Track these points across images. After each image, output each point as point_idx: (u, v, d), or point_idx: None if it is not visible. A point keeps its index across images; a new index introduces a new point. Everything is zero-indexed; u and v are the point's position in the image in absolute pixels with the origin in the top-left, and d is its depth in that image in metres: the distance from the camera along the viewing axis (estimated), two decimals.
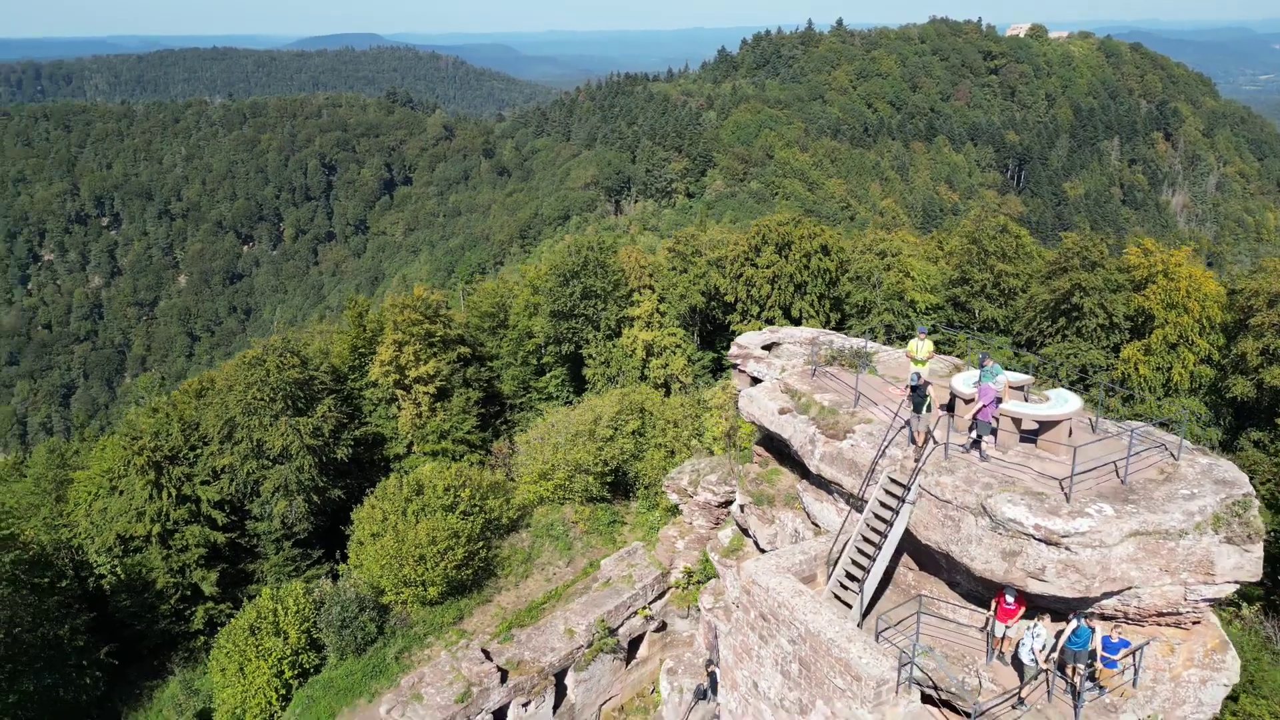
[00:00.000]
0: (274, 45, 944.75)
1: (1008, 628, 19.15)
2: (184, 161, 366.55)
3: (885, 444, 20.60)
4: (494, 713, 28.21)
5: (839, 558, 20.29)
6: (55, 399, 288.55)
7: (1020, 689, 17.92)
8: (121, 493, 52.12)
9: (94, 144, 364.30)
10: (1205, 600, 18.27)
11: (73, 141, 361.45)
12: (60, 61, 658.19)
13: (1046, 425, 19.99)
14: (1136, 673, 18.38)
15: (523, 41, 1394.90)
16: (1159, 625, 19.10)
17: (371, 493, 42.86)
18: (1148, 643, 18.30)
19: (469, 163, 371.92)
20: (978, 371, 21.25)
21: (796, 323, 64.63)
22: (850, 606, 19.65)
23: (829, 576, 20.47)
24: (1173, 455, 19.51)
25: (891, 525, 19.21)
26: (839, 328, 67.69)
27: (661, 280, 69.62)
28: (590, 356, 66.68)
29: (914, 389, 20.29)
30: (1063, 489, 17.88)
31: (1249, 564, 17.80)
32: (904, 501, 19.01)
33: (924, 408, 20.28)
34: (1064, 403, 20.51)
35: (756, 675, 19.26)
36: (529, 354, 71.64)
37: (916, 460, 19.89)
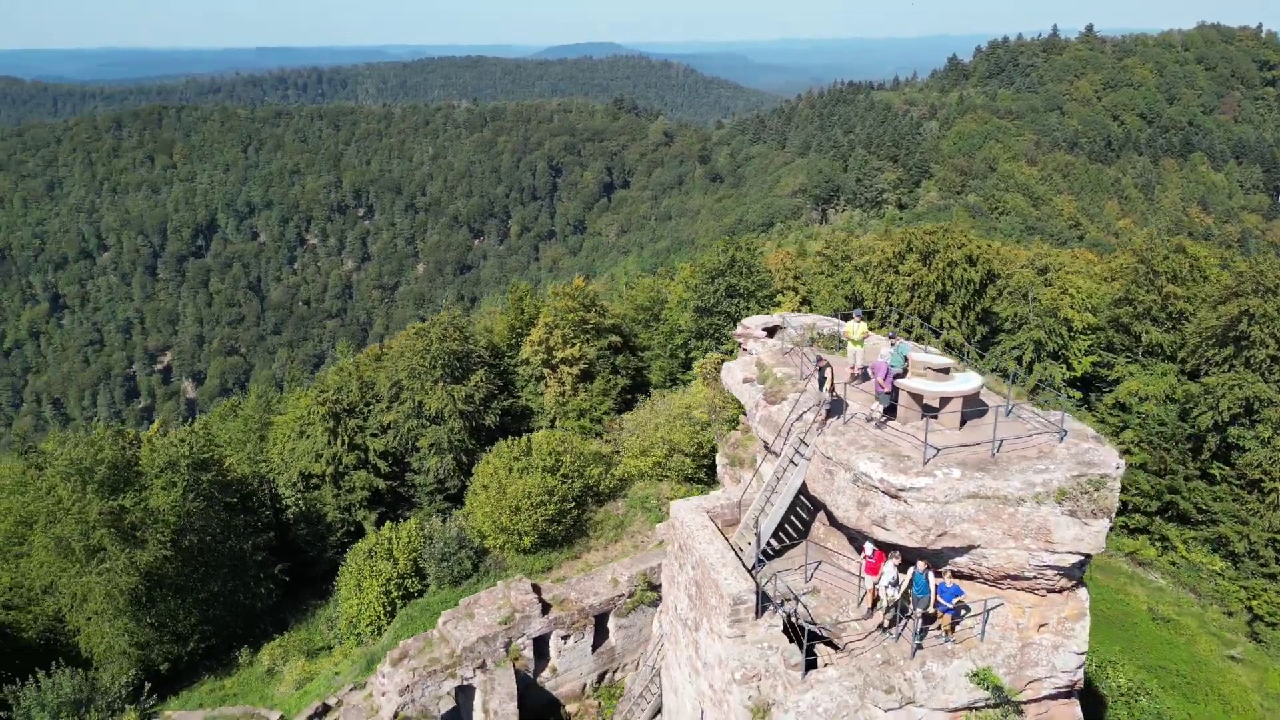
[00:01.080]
0: (522, 54, 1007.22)
1: (876, 581, 20.60)
2: (430, 160, 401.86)
3: (797, 410, 22.40)
4: (535, 640, 32.08)
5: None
6: (308, 366, 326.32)
7: (878, 622, 19.70)
8: (306, 437, 61.02)
9: (357, 142, 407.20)
10: (1050, 567, 19.17)
11: (340, 139, 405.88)
12: (339, 68, 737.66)
13: (945, 401, 21.10)
14: (985, 627, 19.30)
15: (755, 49, 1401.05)
16: (1015, 589, 20.11)
17: (490, 450, 48.17)
18: (1000, 603, 19.36)
19: (684, 168, 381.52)
20: (889, 350, 22.80)
21: (936, 333, 63.86)
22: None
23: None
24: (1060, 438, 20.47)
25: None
26: (985, 342, 66.14)
27: (807, 283, 70.95)
28: (729, 353, 69.11)
29: (818, 365, 22.08)
30: (925, 454, 19.43)
31: (1089, 537, 18.71)
32: (803, 457, 20.87)
33: (823, 384, 22.05)
34: (964, 382, 21.52)
35: (677, 599, 21.71)
36: (677, 347, 75.18)
37: (820, 425, 21.73)
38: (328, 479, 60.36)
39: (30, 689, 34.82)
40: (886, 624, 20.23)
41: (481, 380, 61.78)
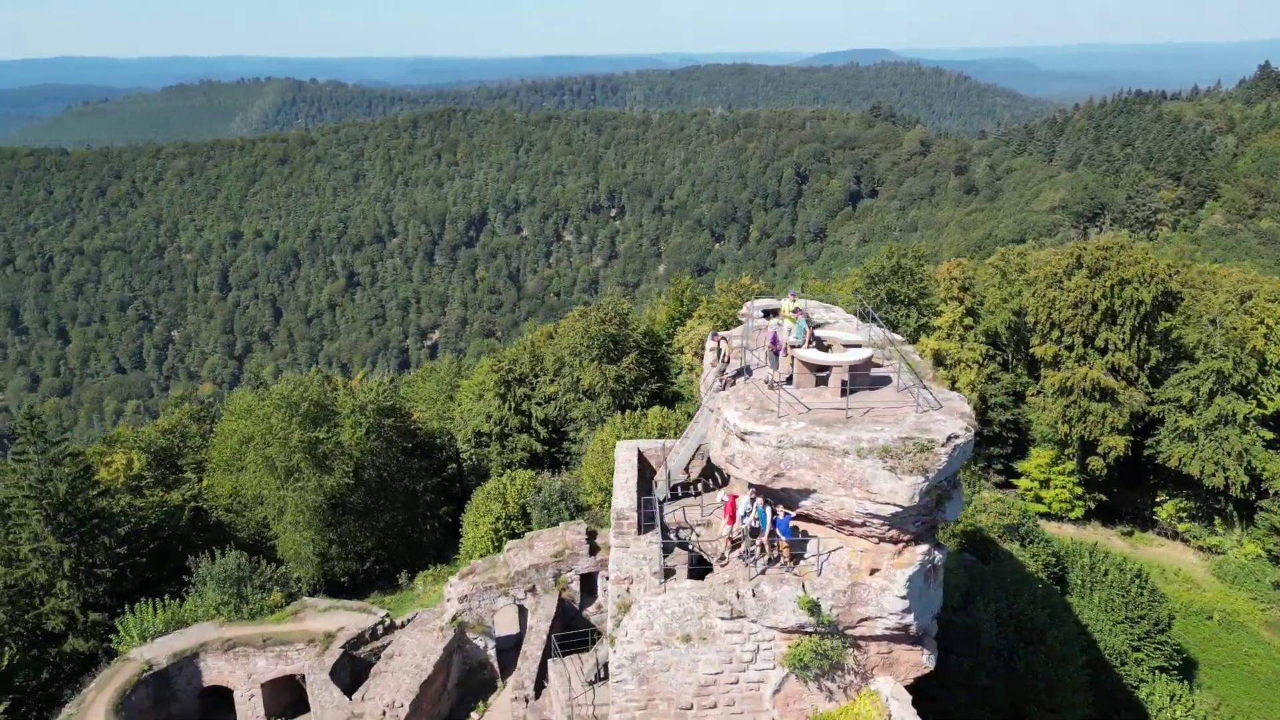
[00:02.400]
0: (789, 61, 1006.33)
1: (731, 529, 23.11)
2: (681, 165, 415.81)
3: (711, 374, 24.98)
4: (583, 576, 36.30)
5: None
6: None
7: (734, 549, 22.13)
8: (482, 399, 69.24)
9: (616, 146, 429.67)
10: (874, 516, 20.79)
11: (601, 143, 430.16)
12: (611, 75, 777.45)
13: (833, 369, 22.96)
14: (821, 564, 21.01)
15: (1043, 56, 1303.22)
16: (854, 535, 21.67)
17: (607, 420, 53.01)
18: (840, 547, 20.85)
19: (938, 179, 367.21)
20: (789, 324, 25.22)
21: (1102, 353, 60.43)
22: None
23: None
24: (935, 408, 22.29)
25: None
26: (1159, 369, 61.59)
27: (976, 294, 69.32)
28: None
29: (715, 338, 24.82)
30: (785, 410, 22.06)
31: (902, 490, 20.24)
32: (708, 409, 23.37)
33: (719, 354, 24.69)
34: (848, 355, 23.10)
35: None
36: None
37: (725, 385, 24.16)
38: (494, 438, 68.12)
39: (205, 562, 44.32)
40: (742, 551, 22.67)
41: (633, 363, 66.83)
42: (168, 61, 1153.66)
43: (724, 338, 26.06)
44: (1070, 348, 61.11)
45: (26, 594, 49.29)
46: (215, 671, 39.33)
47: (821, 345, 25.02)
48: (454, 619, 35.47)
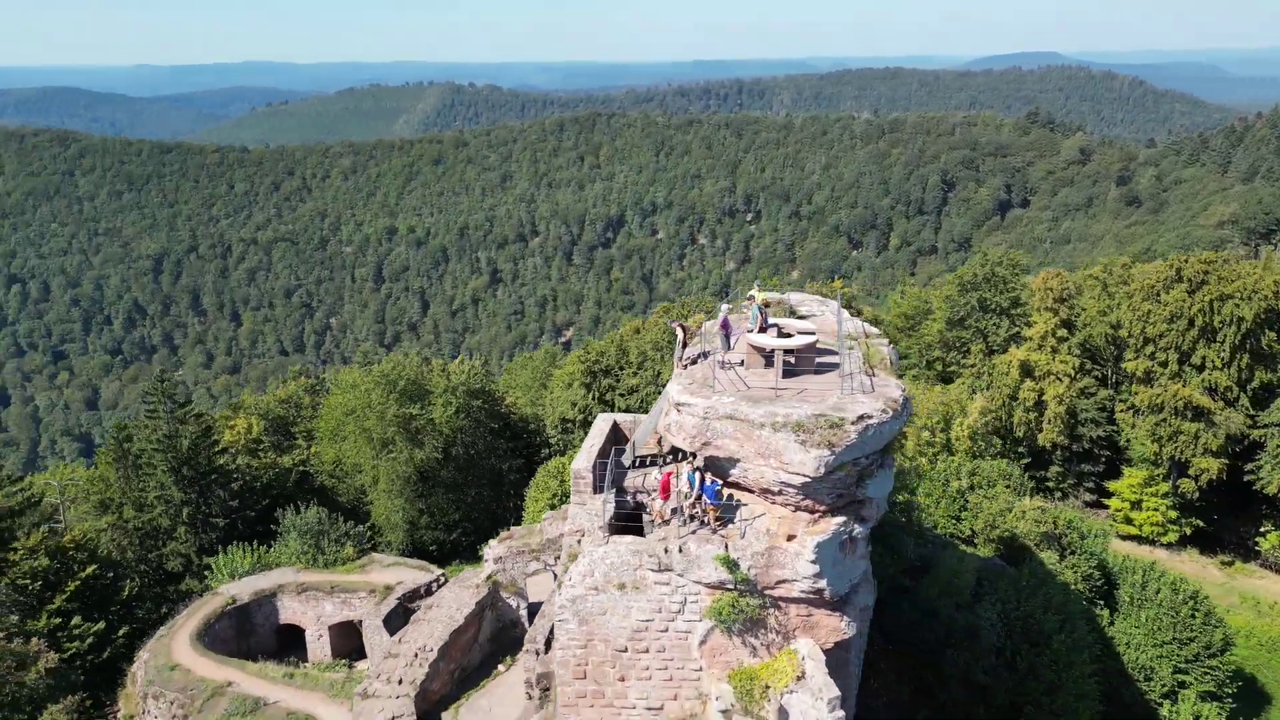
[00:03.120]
0: (947, 65, 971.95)
1: (665, 504, 24.90)
2: (821, 170, 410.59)
3: (678, 355, 26.67)
4: None
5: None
6: None
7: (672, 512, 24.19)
8: (570, 388, 72.71)
9: (756, 150, 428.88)
10: (788, 485, 22.23)
11: (741, 147, 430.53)
12: (759, 79, 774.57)
13: (774, 352, 24.31)
14: (745, 528, 22.96)
15: (1236, 59, 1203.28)
16: (775, 503, 22.98)
17: None
18: (764, 514, 22.10)
19: (1097, 189, 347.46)
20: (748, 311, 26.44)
21: (1199, 369, 57.37)
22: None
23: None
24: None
25: None
26: (1265, 391, 57.92)
27: (1071, 306, 67.10)
28: (967, 366, 68.20)
29: (676, 324, 26.41)
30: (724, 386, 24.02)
31: (809, 462, 21.75)
32: None
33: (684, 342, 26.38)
34: (791, 341, 24.55)
35: None
36: (934, 359, 75.34)
37: (684, 366, 25.75)
38: (578, 425, 71.38)
39: (291, 514, 49.40)
40: (677, 513, 24.60)
41: None
42: (343, 67, 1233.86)
43: (683, 325, 27.89)
44: (1164, 364, 58.42)
45: (152, 536, 56.20)
46: (290, 611, 44.08)
47: (782, 332, 26.43)
48: (489, 578, 38.56)
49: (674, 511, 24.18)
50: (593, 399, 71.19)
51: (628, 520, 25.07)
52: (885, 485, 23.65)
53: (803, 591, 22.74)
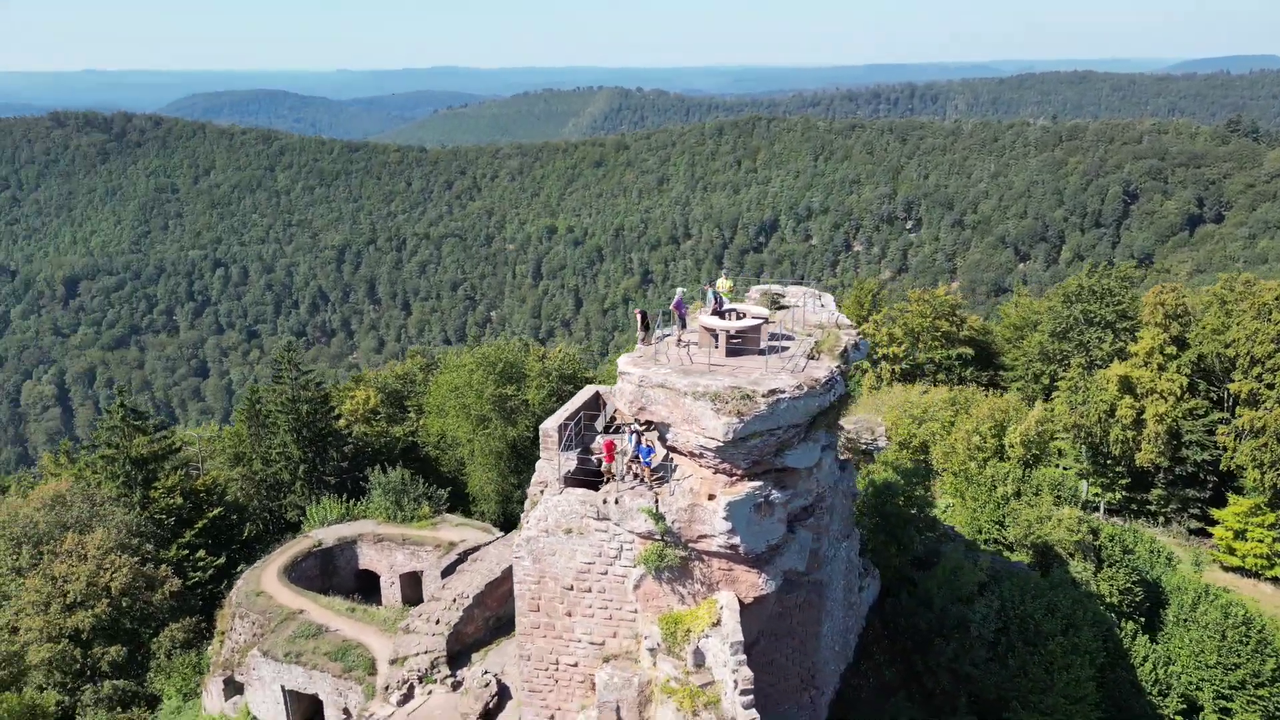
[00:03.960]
0: (1147, 68, 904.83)
1: (611, 465, 27.31)
2: (989, 178, 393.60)
3: (640, 337, 28.85)
4: None
5: None
6: None
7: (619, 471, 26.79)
8: None
9: (920, 156, 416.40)
10: (706, 449, 24.41)
11: (904, 153, 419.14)
12: (932, 84, 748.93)
13: (720, 332, 26.97)
14: (674, 486, 25.34)
15: None
16: (701, 465, 25.04)
17: None
18: (691, 475, 24.00)
19: None
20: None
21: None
22: None
23: None
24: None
25: None
26: None
27: (1183, 323, 63.67)
28: (1064, 378, 65.91)
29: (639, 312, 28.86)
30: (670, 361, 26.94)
31: (719, 428, 24.10)
32: None
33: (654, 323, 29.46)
34: (735, 323, 27.78)
35: None
36: (1039, 372, 73.27)
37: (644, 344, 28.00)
38: None
39: (378, 473, 54.81)
40: (620, 471, 27.13)
41: None
42: (522, 71, 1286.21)
43: (642, 311, 30.34)
44: (1271, 386, 54.71)
45: (274, 487, 63.57)
46: (367, 558, 49.40)
47: (738, 316, 28.43)
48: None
49: (620, 470, 26.79)
50: None
51: (592, 476, 27.84)
52: (808, 457, 25.37)
53: (720, 546, 24.89)
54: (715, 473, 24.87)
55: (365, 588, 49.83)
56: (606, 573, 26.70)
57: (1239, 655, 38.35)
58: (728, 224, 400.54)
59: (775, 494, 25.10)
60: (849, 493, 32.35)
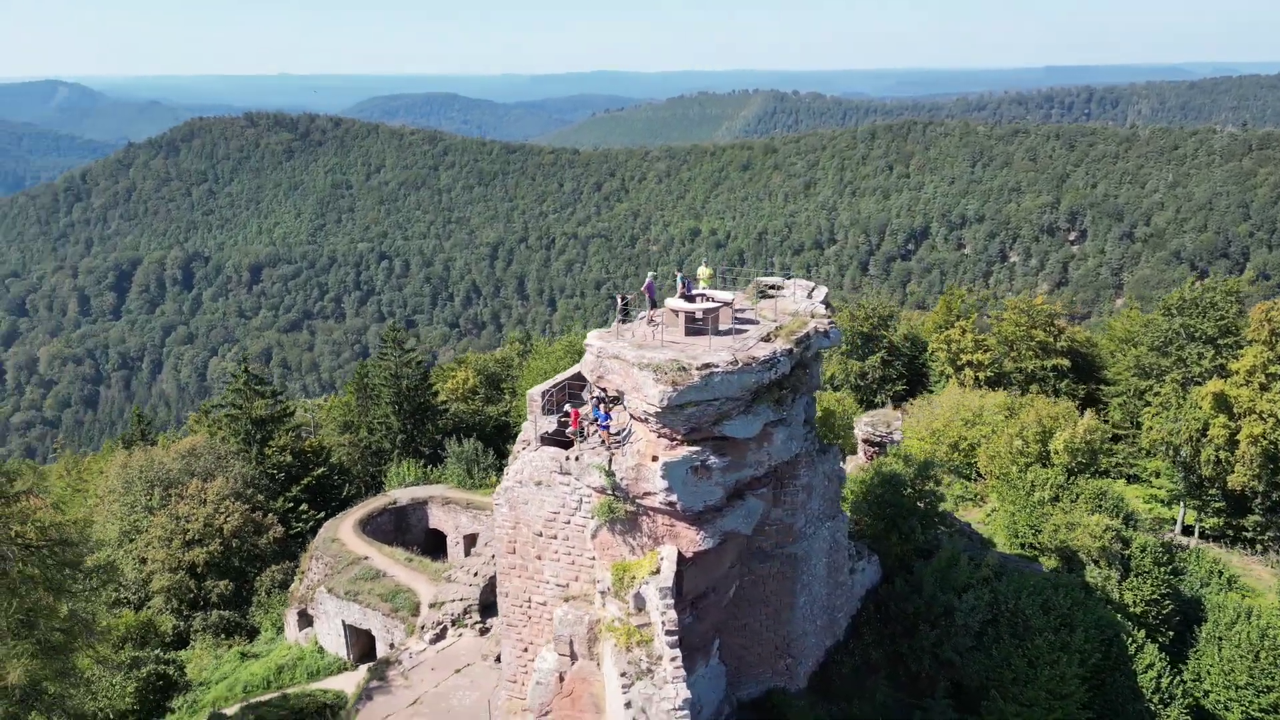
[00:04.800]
0: None
1: (575, 430, 30.11)
2: (1166, 188, 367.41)
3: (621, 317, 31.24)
4: None
5: None
6: None
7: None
8: None
9: (1088, 164, 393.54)
10: (650, 415, 26.94)
11: (1071, 160, 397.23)
12: (1113, 87, 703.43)
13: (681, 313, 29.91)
14: (626, 447, 27.96)
15: None
16: (648, 430, 27.47)
17: None
18: (642, 438, 27.35)
19: None
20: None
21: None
22: None
23: None
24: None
25: None
26: None
27: None
28: (1155, 393, 63.08)
29: (619, 295, 31.97)
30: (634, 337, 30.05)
31: (655, 395, 26.60)
32: None
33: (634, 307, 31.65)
34: (697, 304, 30.72)
35: None
36: (1141, 388, 70.37)
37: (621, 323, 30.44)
38: None
39: (454, 444, 59.64)
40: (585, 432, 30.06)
41: (878, 362, 69.86)
42: (680, 75, 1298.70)
43: (623, 295, 32.81)
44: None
45: (376, 454, 69.93)
46: (435, 518, 54.31)
47: (707, 300, 30.77)
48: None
49: (586, 433, 29.80)
50: None
51: (567, 438, 30.82)
52: (747, 429, 27.51)
53: (660, 503, 27.49)
54: (659, 436, 27.42)
55: (435, 545, 54.77)
56: (569, 522, 29.66)
57: (1272, 678, 36.75)
58: (875, 230, 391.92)
59: (714, 460, 27.32)
60: (833, 476, 33.84)
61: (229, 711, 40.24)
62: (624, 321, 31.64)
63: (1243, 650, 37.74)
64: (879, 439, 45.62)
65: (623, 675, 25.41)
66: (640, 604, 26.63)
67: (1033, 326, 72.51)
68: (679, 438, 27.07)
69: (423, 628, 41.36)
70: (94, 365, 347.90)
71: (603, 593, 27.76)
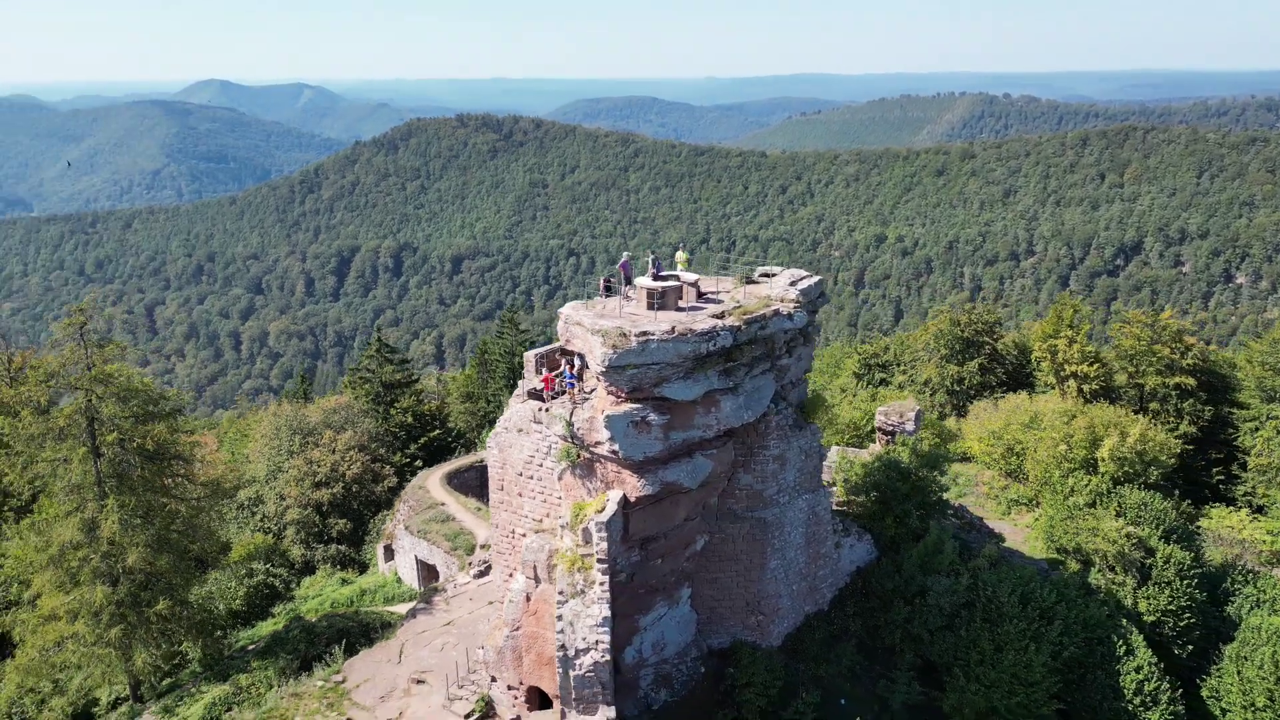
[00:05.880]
0: None
1: (552, 394, 33.74)
2: None
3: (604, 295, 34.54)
4: None
5: None
6: None
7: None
8: (839, 377, 78.48)
9: None
10: (601, 375, 30.80)
11: None
12: None
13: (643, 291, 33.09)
14: (585, 401, 31.73)
15: None
16: (603, 388, 30.98)
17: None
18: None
19: None
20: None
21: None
22: None
23: None
24: None
25: None
26: None
27: None
28: (1273, 416, 58.67)
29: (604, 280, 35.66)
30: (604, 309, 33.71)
31: (600, 355, 30.44)
32: None
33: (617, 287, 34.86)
34: (654, 283, 33.26)
35: None
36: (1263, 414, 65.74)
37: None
38: None
39: None
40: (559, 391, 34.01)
41: (976, 368, 68.98)
42: (882, 78, 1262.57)
43: (609, 278, 36.39)
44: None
45: (492, 423, 76.90)
46: None
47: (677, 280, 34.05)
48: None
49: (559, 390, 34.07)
50: (861, 387, 76.11)
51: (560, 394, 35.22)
52: (686, 392, 30.87)
53: (606, 451, 31.27)
54: (609, 394, 31.25)
55: None
56: (542, 465, 33.85)
57: None
58: (1079, 242, 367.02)
59: (653, 417, 30.78)
60: (811, 452, 35.92)
61: (311, 619, 47.44)
62: (607, 297, 35.28)
63: (1264, 672, 36.12)
64: (891, 428, 46.37)
65: (560, 594, 29.45)
66: (587, 538, 30.44)
67: (1156, 342, 68.94)
68: (623, 395, 30.76)
69: (470, 564, 46.87)
70: (314, 341, 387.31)
71: (562, 526, 31.82)
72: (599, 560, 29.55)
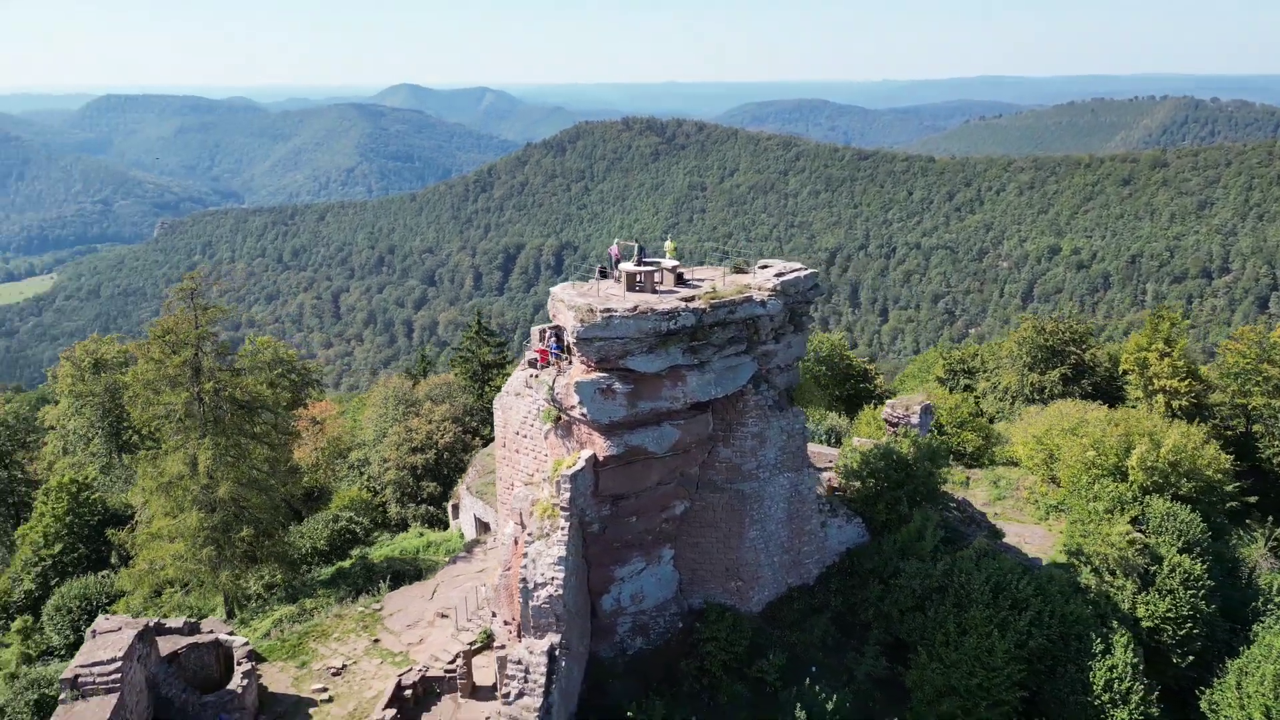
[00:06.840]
0: None
1: (542, 366, 36.95)
2: None
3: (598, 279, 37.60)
4: None
5: None
6: None
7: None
8: (926, 383, 77.93)
9: None
10: (573, 344, 34.61)
11: None
12: None
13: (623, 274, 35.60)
14: (569, 369, 35.25)
15: None
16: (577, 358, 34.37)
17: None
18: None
19: None
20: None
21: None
22: None
23: None
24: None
25: None
26: None
27: None
28: None
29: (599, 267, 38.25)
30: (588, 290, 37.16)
31: (571, 327, 34.52)
32: None
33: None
34: (632, 267, 35.78)
35: None
36: None
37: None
38: None
39: None
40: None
41: (1058, 377, 67.27)
42: (1072, 80, 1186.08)
43: (603, 265, 39.64)
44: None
45: None
46: None
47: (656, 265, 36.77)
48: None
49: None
50: (947, 392, 75.44)
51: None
52: (649, 365, 34.18)
53: (577, 414, 34.91)
54: (581, 363, 35.02)
55: None
56: (533, 425, 37.73)
57: None
58: None
59: (618, 385, 34.17)
60: (793, 433, 37.99)
61: (374, 561, 53.67)
62: (602, 279, 38.74)
63: (1264, 688, 35.00)
64: (895, 420, 46.83)
65: (529, 535, 33.41)
66: (559, 490, 34.14)
67: (1264, 361, 64.92)
68: (592, 365, 34.48)
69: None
70: None
71: (545, 480, 35.67)
72: (562, 509, 33.29)
